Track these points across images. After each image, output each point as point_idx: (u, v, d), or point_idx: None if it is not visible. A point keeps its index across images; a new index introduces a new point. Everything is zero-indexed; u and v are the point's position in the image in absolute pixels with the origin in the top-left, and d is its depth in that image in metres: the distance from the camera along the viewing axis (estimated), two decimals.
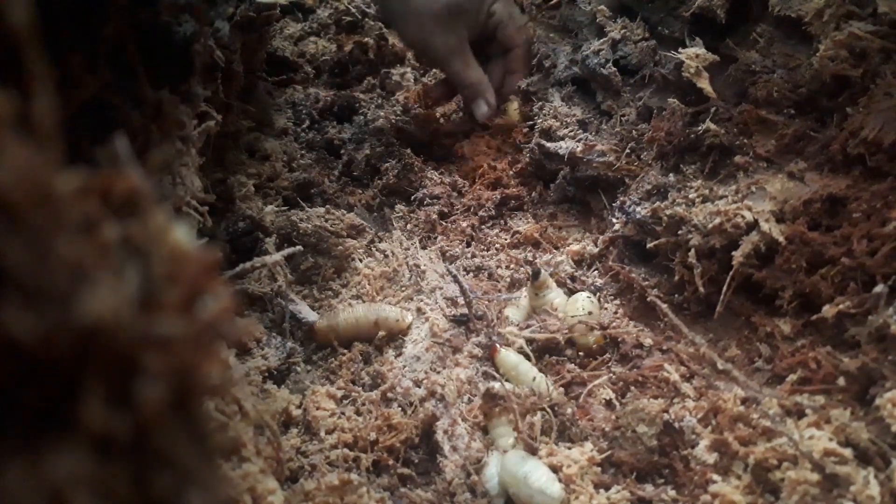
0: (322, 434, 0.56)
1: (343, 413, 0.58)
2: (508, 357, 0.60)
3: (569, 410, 0.56)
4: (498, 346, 0.61)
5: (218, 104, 0.66)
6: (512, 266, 0.75)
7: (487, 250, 0.79)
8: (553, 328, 0.63)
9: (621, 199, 0.73)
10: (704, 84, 0.69)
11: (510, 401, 0.55)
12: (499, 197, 0.85)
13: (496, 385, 0.56)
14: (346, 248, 0.74)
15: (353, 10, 1.15)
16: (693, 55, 0.69)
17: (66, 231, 0.16)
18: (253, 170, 0.84)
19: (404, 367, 0.61)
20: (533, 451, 0.52)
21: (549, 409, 0.56)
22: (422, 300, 0.69)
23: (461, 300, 0.67)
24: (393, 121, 0.93)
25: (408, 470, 0.54)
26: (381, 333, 0.64)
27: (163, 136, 0.52)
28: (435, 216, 0.81)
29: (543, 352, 0.63)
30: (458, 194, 0.86)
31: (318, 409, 0.57)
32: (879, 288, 0.51)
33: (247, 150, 0.87)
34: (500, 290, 0.72)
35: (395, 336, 0.65)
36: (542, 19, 0.96)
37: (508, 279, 0.73)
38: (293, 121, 0.98)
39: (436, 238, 0.80)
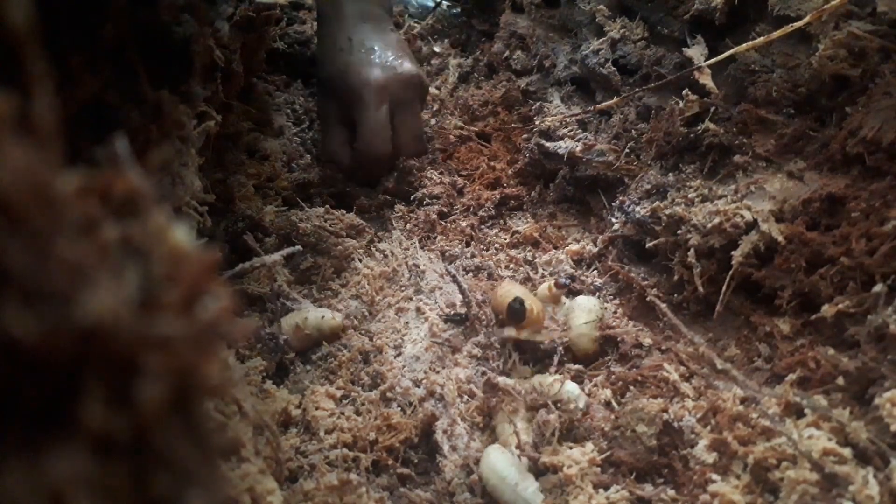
0: (321, 434, 0.56)
1: (342, 413, 0.58)
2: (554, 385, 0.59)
3: (572, 406, 0.55)
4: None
5: (218, 104, 0.66)
6: (511, 266, 0.75)
7: (487, 250, 0.79)
8: (554, 333, 0.63)
9: (620, 198, 0.73)
10: (707, 80, 0.69)
11: (511, 394, 0.55)
12: (498, 197, 0.85)
13: (499, 378, 0.56)
14: (346, 248, 0.74)
15: None
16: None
17: (66, 231, 0.16)
18: (252, 170, 0.84)
19: (404, 367, 0.61)
20: (535, 449, 0.52)
21: (552, 405, 0.55)
22: (421, 300, 0.69)
23: (457, 300, 0.67)
24: None
25: (407, 470, 0.54)
26: (307, 332, 0.64)
27: (163, 136, 0.52)
28: (434, 216, 0.81)
29: (541, 354, 0.63)
30: (457, 194, 0.86)
31: (317, 408, 0.57)
32: (878, 287, 0.51)
33: (246, 151, 0.87)
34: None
35: (333, 335, 0.65)
36: (542, 19, 0.96)
37: (508, 279, 0.73)
38: (292, 120, 0.98)
39: (435, 238, 0.80)
